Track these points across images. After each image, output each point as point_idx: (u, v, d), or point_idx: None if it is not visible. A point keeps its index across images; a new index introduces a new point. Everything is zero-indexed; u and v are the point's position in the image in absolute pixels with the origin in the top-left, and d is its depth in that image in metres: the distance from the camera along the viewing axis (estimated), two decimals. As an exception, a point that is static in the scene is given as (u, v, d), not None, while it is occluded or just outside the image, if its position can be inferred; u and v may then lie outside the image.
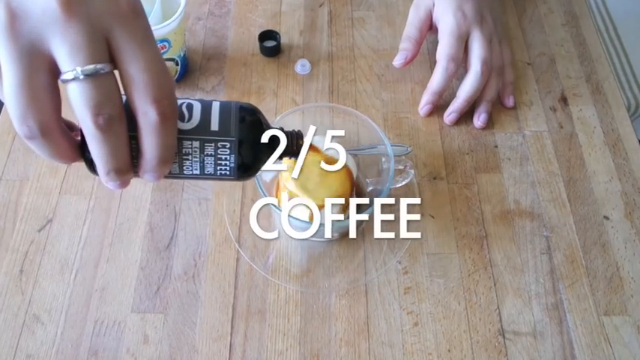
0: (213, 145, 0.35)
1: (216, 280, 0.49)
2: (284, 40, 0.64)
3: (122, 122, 0.28)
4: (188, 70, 0.62)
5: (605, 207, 0.54)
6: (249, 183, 0.54)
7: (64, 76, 0.27)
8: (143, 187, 0.54)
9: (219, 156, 0.35)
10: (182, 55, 0.58)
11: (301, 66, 0.62)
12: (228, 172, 0.36)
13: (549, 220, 0.53)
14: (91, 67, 0.26)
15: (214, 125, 0.34)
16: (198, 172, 0.37)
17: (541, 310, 0.48)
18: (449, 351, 0.46)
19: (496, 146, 0.58)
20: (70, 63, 0.27)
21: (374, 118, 0.59)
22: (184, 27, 0.62)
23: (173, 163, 0.35)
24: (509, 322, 0.47)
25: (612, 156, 0.57)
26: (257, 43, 0.63)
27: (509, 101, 0.60)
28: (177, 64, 0.58)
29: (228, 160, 0.35)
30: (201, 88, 0.60)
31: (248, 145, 0.35)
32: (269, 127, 0.37)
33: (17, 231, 0.51)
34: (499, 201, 0.54)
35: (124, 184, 0.32)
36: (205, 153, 0.35)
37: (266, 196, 0.45)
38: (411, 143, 0.57)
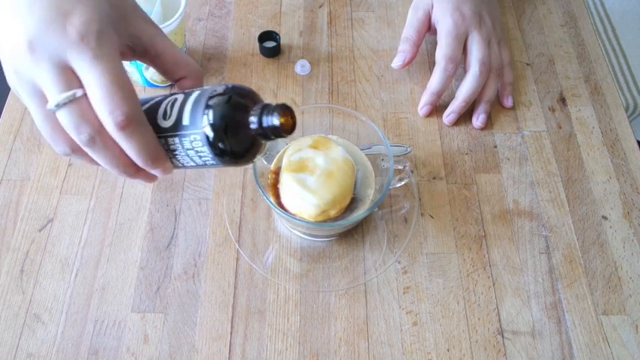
0: (187, 139, 0.35)
1: (216, 279, 0.49)
2: (284, 40, 0.65)
3: (137, 127, 0.32)
4: (188, 70, 0.62)
5: (604, 207, 0.54)
6: (249, 183, 0.54)
7: (48, 108, 0.31)
8: (143, 187, 0.54)
9: (196, 149, 0.35)
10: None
11: (301, 66, 0.62)
12: (214, 162, 0.35)
13: (548, 219, 0.53)
14: (62, 97, 0.30)
15: (186, 119, 0.34)
16: (193, 163, 0.37)
17: (540, 309, 0.48)
18: (448, 350, 0.46)
19: (495, 146, 0.58)
20: (48, 97, 0.31)
21: (373, 119, 0.59)
22: (184, 27, 0.63)
23: (170, 158, 0.36)
24: (508, 321, 0.48)
25: (610, 156, 0.57)
26: (257, 44, 0.63)
27: (508, 102, 0.60)
28: (177, 65, 0.58)
29: (206, 151, 0.35)
30: (201, 89, 0.61)
31: (221, 132, 0.33)
32: (251, 107, 0.34)
33: (18, 231, 0.51)
34: (498, 201, 0.54)
35: (148, 178, 0.37)
36: (185, 147, 0.35)
37: (265, 196, 0.45)
38: (411, 143, 0.57)
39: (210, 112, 0.33)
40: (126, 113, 0.31)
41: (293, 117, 0.34)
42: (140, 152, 0.33)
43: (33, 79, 0.31)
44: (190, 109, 0.34)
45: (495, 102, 0.61)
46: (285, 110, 0.33)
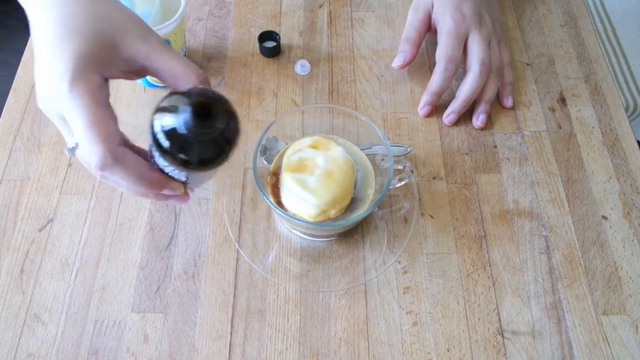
0: (152, 160, 0.36)
1: (216, 279, 0.49)
2: (284, 40, 0.65)
3: (115, 167, 0.34)
4: (188, 70, 0.62)
5: (604, 207, 0.54)
6: (249, 183, 0.54)
7: (66, 153, 0.39)
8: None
9: (164, 165, 0.35)
10: (182, 55, 0.58)
11: (301, 67, 0.62)
12: (182, 177, 0.36)
13: (548, 219, 0.53)
14: (70, 146, 0.36)
15: (150, 140, 0.34)
16: (185, 178, 0.37)
17: (540, 309, 0.48)
18: (448, 350, 0.46)
19: (495, 146, 0.58)
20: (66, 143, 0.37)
21: (373, 119, 0.59)
22: (184, 27, 0.63)
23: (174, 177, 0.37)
24: (508, 321, 0.48)
25: (610, 156, 0.57)
26: (257, 44, 0.63)
27: (509, 102, 0.60)
28: (177, 65, 0.58)
29: (169, 166, 0.35)
30: (201, 89, 0.61)
31: (161, 145, 0.32)
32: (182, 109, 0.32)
33: (18, 231, 0.51)
34: (498, 201, 0.54)
35: (175, 200, 0.40)
36: (160, 167, 0.36)
37: (265, 196, 0.45)
38: (411, 143, 0.57)
39: (155, 124, 0.33)
40: (99, 157, 0.33)
41: (213, 107, 0.32)
42: (129, 184, 0.36)
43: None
44: (149, 128, 0.33)
45: (495, 102, 0.61)
46: (200, 103, 0.31)
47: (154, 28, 0.51)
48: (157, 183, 0.37)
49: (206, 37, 0.65)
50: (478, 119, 0.58)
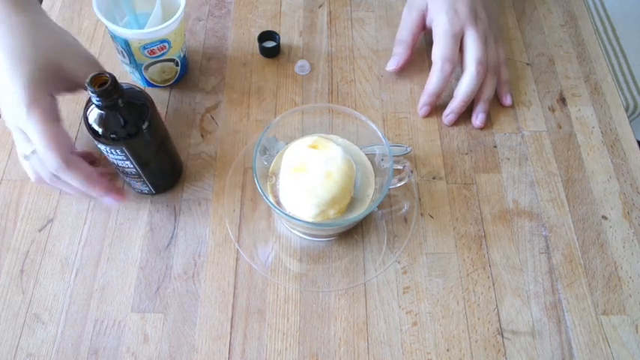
0: (100, 146, 0.45)
1: (216, 279, 0.49)
2: (284, 40, 0.65)
3: (67, 170, 0.44)
4: (188, 70, 0.62)
5: (604, 207, 0.54)
6: (249, 183, 0.54)
7: (21, 157, 0.46)
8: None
9: (107, 153, 0.45)
10: (182, 55, 0.58)
11: (301, 66, 0.62)
12: (120, 151, 0.44)
13: (548, 219, 0.53)
14: (27, 153, 0.45)
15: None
16: (128, 164, 0.46)
17: (540, 309, 0.48)
18: (448, 350, 0.46)
19: (495, 146, 0.58)
20: (20, 151, 0.46)
21: (373, 119, 0.59)
22: (184, 28, 0.63)
23: (123, 173, 0.48)
24: (508, 321, 0.48)
25: (610, 156, 0.57)
26: (257, 44, 0.63)
27: (507, 100, 0.60)
28: (177, 65, 0.58)
29: (109, 150, 0.44)
30: (201, 89, 0.61)
31: (92, 125, 0.42)
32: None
33: (18, 231, 0.51)
34: (498, 201, 0.54)
35: (115, 198, 0.49)
36: (110, 160, 0.47)
37: (265, 196, 0.45)
38: (410, 143, 0.57)
39: (86, 125, 0.43)
40: (55, 162, 0.43)
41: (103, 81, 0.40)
42: (78, 184, 0.45)
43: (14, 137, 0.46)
44: None
45: (495, 102, 0.61)
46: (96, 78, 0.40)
47: (154, 28, 0.51)
48: (100, 183, 0.46)
49: (206, 37, 0.65)
50: (477, 118, 0.58)
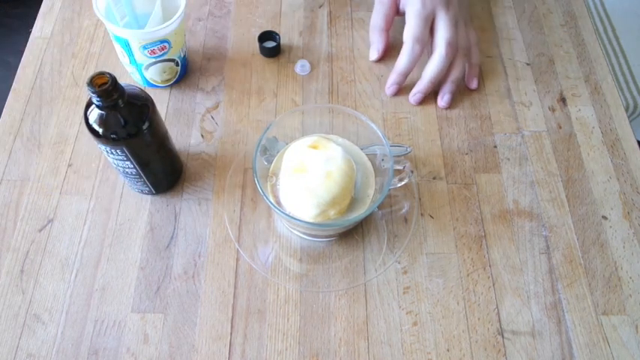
0: (101, 147, 0.45)
1: (216, 279, 0.49)
2: (284, 40, 0.65)
3: None
4: (188, 70, 0.62)
5: (604, 207, 0.54)
6: (249, 183, 0.54)
7: None
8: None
9: (109, 155, 0.45)
10: (182, 55, 0.58)
11: (301, 66, 0.62)
12: (120, 151, 0.44)
13: (548, 219, 0.53)
14: None
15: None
16: (128, 165, 0.46)
17: (540, 309, 0.48)
18: (448, 350, 0.46)
19: (495, 146, 0.58)
20: None
21: (373, 119, 0.59)
22: (184, 28, 0.63)
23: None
24: (508, 321, 0.48)
25: (611, 156, 0.57)
26: (257, 44, 0.63)
27: (473, 83, 0.61)
28: (177, 65, 0.58)
29: (110, 152, 0.44)
30: (201, 89, 0.61)
31: (92, 125, 0.42)
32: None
33: (18, 231, 0.51)
34: (498, 201, 0.54)
35: None
36: (114, 165, 0.48)
37: (265, 196, 0.45)
38: (411, 143, 0.57)
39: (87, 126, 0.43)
40: None
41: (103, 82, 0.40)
42: None
43: None
44: None
45: (497, 100, 0.61)
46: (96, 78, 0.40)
47: (154, 28, 0.51)
48: None
49: (206, 37, 0.65)
50: (443, 99, 0.59)
